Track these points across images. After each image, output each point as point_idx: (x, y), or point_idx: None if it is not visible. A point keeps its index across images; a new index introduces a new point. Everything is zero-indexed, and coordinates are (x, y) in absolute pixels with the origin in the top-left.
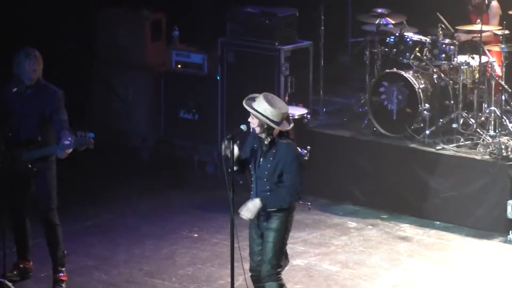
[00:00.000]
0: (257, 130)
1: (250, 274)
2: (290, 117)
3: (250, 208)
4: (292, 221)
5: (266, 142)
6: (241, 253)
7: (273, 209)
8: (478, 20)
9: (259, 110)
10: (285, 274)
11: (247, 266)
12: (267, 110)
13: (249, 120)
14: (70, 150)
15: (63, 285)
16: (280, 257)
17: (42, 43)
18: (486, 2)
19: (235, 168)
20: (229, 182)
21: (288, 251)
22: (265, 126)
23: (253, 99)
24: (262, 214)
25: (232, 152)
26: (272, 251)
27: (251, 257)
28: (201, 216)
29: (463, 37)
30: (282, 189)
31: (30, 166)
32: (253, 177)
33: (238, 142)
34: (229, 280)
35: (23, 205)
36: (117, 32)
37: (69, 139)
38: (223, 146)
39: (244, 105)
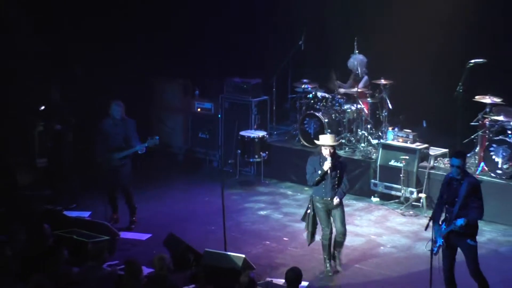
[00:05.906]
0: (329, 155)
1: (326, 237)
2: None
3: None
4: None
5: (331, 159)
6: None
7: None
8: (355, 84)
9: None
10: (253, 220)
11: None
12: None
13: (324, 153)
14: (144, 149)
15: (135, 224)
16: None
17: (122, 100)
18: (360, 76)
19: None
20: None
21: (252, 207)
22: (333, 150)
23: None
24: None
25: None
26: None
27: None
28: (210, 189)
29: (342, 91)
30: (343, 186)
31: (119, 161)
32: (327, 180)
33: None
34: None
35: (115, 185)
36: (164, 91)
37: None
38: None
39: (327, 142)
